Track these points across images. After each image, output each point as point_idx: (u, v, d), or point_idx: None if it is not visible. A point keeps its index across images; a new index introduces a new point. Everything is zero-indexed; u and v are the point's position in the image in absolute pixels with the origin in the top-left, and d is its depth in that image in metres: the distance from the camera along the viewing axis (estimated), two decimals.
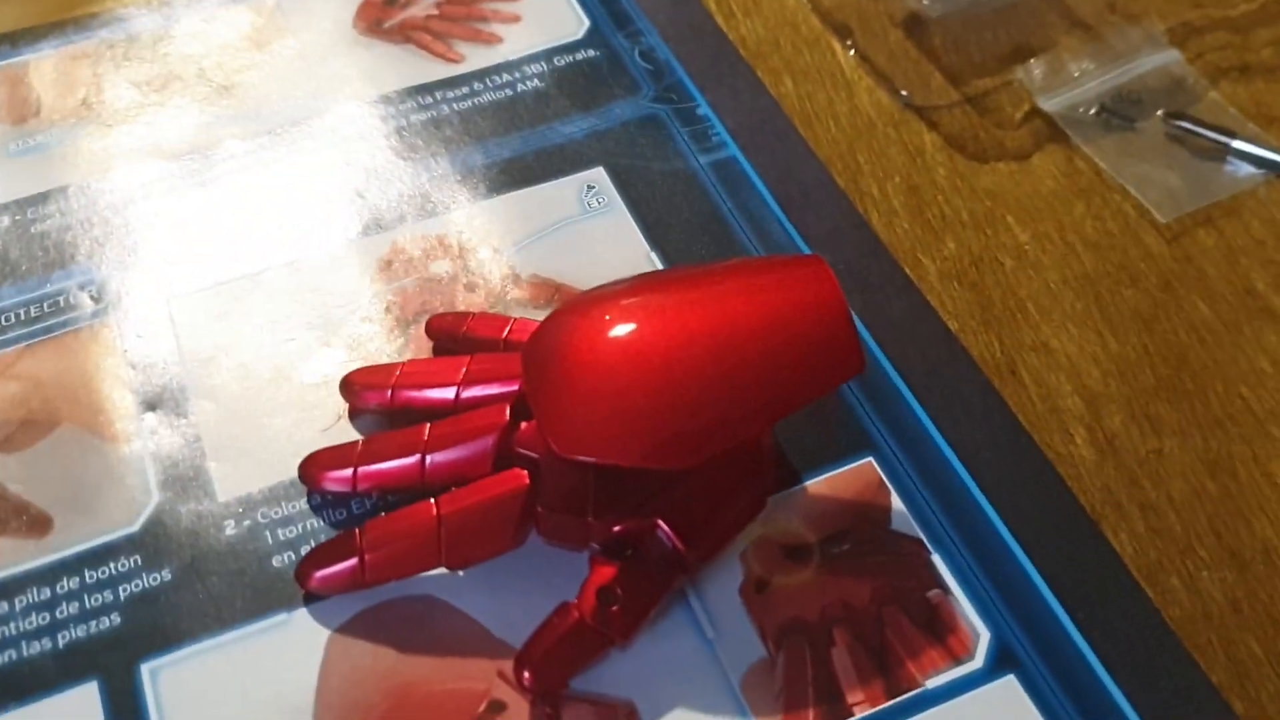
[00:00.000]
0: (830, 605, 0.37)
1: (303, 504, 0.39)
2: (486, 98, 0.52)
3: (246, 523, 0.38)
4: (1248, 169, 0.50)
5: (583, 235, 0.47)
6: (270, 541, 0.38)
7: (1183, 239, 0.48)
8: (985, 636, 0.36)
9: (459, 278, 0.45)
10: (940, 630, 0.36)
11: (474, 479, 0.36)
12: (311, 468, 0.38)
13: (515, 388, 0.38)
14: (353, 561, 0.35)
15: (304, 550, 0.37)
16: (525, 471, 0.36)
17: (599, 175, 0.49)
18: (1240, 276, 0.46)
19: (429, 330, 0.43)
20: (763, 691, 0.35)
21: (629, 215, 0.47)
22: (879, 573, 0.38)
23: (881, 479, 0.40)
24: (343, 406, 0.41)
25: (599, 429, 0.34)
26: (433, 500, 0.36)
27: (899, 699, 0.35)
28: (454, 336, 0.42)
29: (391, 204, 0.47)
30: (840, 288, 0.36)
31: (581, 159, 0.49)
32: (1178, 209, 0.48)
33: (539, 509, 0.35)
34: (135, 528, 0.38)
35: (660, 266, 0.46)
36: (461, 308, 0.44)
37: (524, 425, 0.37)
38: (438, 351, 0.43)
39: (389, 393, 0.39)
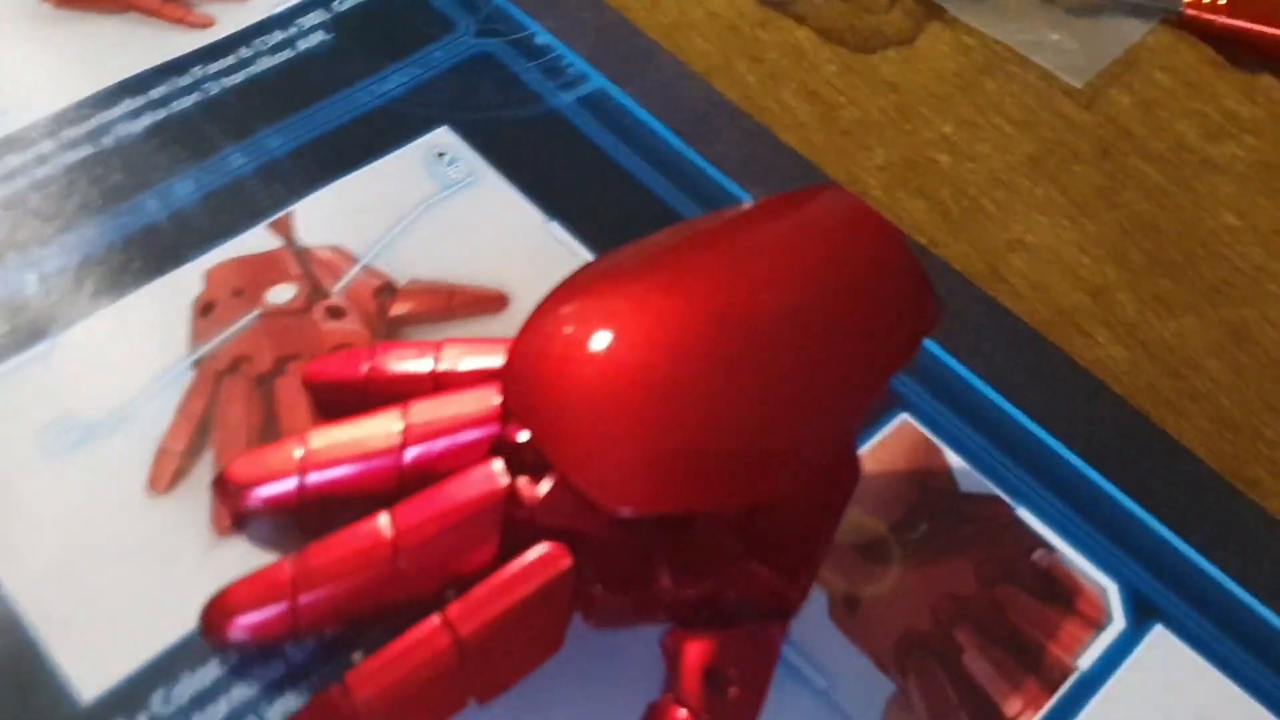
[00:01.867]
0: (938, 604, 0.31)
1: (217, 670, 0.27)
2: (264, 65, 0.40)
3: None
4: (1128, 20, 0.48)
5: (454, 216, 0.37)
6: None
7: (1098, 103, 0.45)
8: (1112, 589, 0.32)
9: (314, 303, 0.34)
10: (1065, 597, 0.31)
11: (476, 576, 0.27)
12: (223, 614, 0.27)
13: (484, 436, 0.28)
14: None
15: None
16: (561, 547, 0.26)
17: (445, 137, 0.39)
18: (1168, 132, 0.44)
19: (310, 385, 0.32)
20: None
21: (502, 180, 0.38)
22: (970, 548, 0.32)
23: (925, 436, 0.34)
24: (220, 520, 0.30)
25: (669, 466, 0.25)
26: (438, 618, 0.26)
27: (1060, 693, 0.30)
28: (352, 386, 0.31)
29: (182, 223, 0.35)
30: (881, 216, 0.29)
31: (415, 121, 0.39)
32: (1086, 71, 0.45)
33: (595, 591, 0.26)
34: None
35: (567, 238, 0.37)
36: (333, 345, 0.33)
37: (527, 486, 0.27)
38: (327, 412, 0.32)
39: (296, 481, 0.29)
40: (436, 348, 0.31)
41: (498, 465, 0.27)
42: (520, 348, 0.28)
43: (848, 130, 0.42)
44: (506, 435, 0.28)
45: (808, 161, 0.41)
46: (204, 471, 0.30)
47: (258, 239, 0.35)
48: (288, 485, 0.29)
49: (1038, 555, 0.32)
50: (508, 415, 0.29)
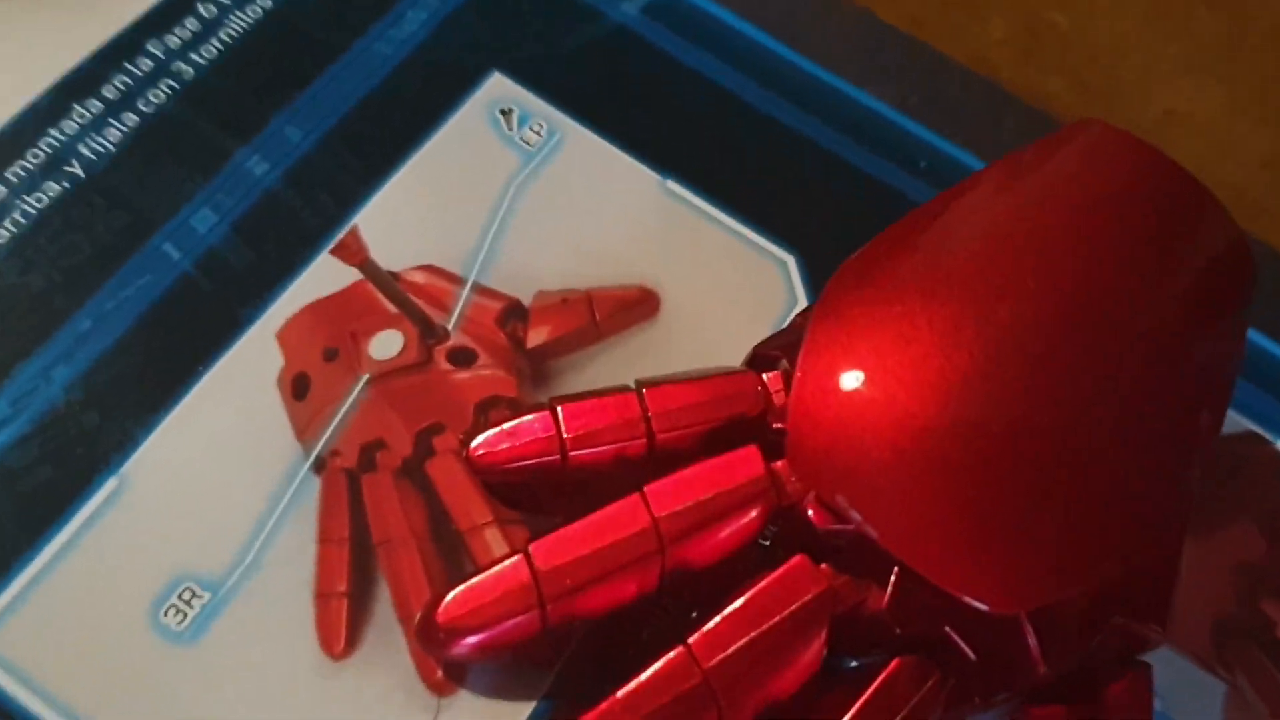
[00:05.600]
0: (1237, 579, 0.29)
1: None
2: (236, 24, 0.32)
3: None
4: None
5: (551, 193, 0.31)
6: None
7: None
8: None
9: (431, 348, 0.29)
10: None
11: (802, 695, 0.23)
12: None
13: (758, 515, 0.24)
14: None
15: None
16: (916, 658, 0.23)
17: (502, 88, 0.33)
18: None
19: (483, 470, 0.27)
20: None
21: (591, 133, 0.32)
22: (1247, 502, 0.30)
23: None
24: (431, 673, 0.25)
25: (1058, 553, 0.22)
26: None
27: None
28: (543, 467, 0.26)
29: (220, 270, 0.29)
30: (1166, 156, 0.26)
31: (455, 71, 0.33)
32: None
33: (968, 697, 0.23)
34: None
35: (692, 196, 0.32)
36: (478, 403, 0.28)
37: (840, 578, 0.24)
38: (506, 497, 0.27)
39: (536, 613, 0.24)
40: (630, 397, 0.26)
41: (803, 561, 0.23)
42: (811, 411, 0.23)
43: (954, 1, 0.38)
44: (793, 513, 0.24)
45: (924, 45, 0.36)
46: (385, 613, 0.25)
47: (326, 273, 0.29)
48: (525, 620, 0.24)
49: None
50: (778, 483, 0.25)
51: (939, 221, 0.26)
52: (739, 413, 0.26)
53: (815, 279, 0.31)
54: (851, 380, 0.24)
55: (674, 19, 0.34)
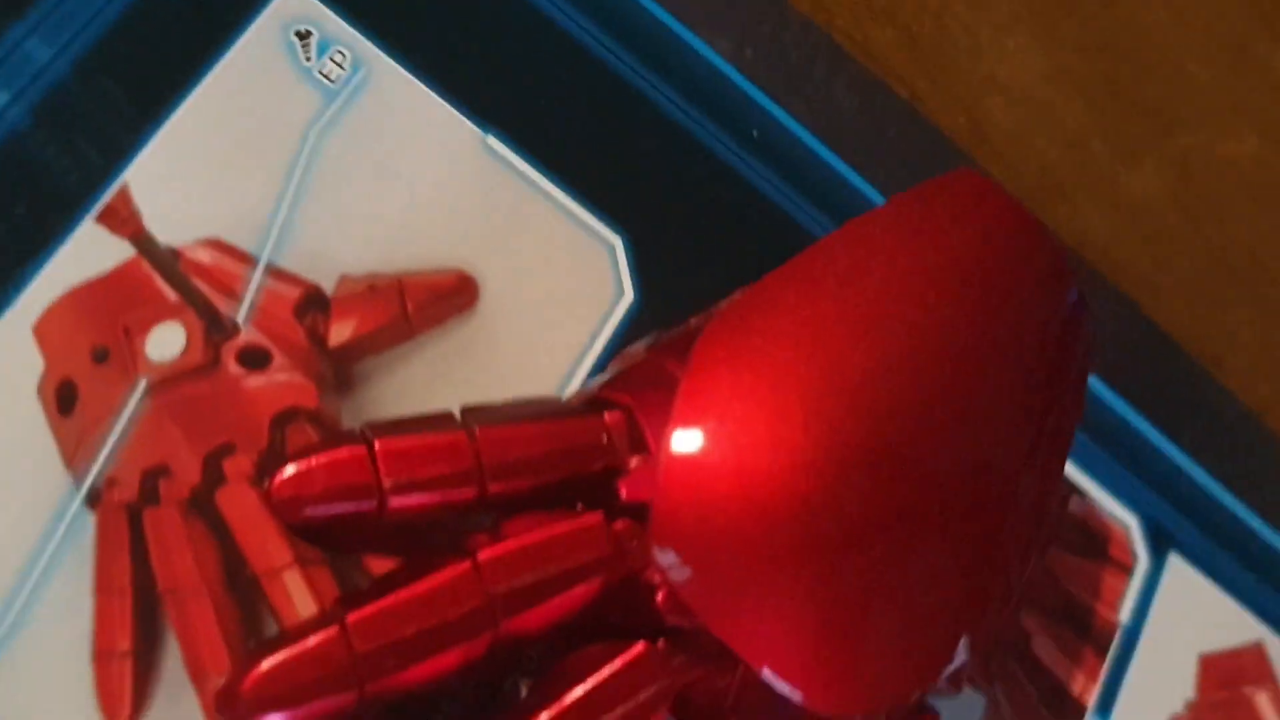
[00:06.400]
0: None
1: None
2: None
3: None
4: None
5: (358, 147, 0.28)
6: None
7: None
8: (1134, 524, 0.34)
9: (219, 346, 0.25)
10: (1099, 544, 0.33)
11: None
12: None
13: (597, 584, 0.24)
14: None
15: None
16: None
17: (299, 2, 0.28)
18: None
19: (285, 515, 0.24)
20: None
21: (403, 69, 0.29)
22: None
23: None
24: None
25: (912, 660, 0.23)
26: None
27: (1109, 660, 0.32)
28: (358, 518, 0.24)
29: None
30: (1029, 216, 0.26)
31: None
32: None
33: None
34: None
35: (519, 162, 0.29)
36: (274, 416, 0.25)
37: (696, 669, 0.24)
38: (312, 536, 0.25)
39: (354, 693, 0.23)
40: (460, 440, 0.24)
41: (647, 649, 0.23)
42: (673, 498, 0.23)
43: None
44: (635, 581, 0.24)
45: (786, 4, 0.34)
46: (175, 671, 0.23)
47: (91, 247, 0.25)
48: (341, 700, 0.23)
49: (1073, 504, 0.33)
50: (621, 552, 0.24)
51: (809, 283, 0.25)
52: (583, 470, 0.25)
53: (643, 266, 0.29)
54: (718, 467, 0.23)
55: None
